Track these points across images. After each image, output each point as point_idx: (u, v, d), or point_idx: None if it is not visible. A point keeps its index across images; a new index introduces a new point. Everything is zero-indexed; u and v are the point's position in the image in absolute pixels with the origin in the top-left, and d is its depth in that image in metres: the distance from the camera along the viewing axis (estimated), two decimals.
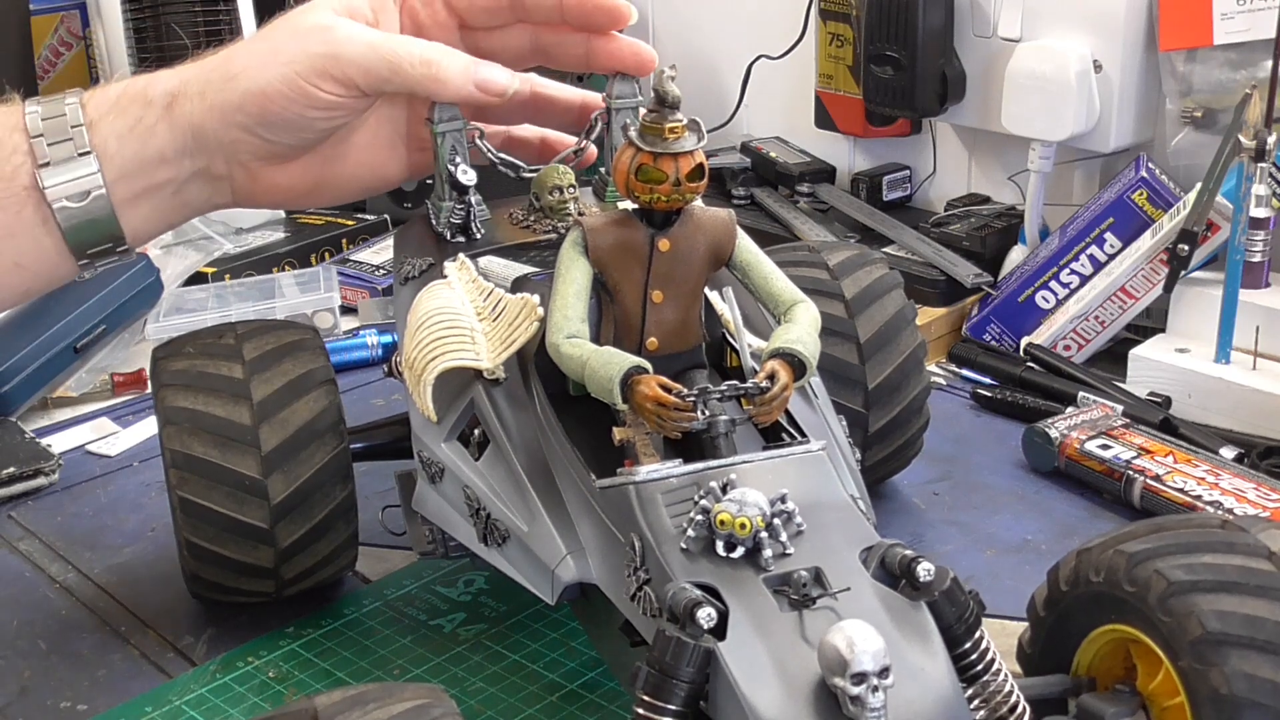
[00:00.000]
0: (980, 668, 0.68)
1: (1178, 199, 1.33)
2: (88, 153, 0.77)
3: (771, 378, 0.73)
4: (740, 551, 0.67)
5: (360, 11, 0.83)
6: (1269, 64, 1.19)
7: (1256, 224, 1.23)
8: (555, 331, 0.75)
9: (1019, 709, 0.68)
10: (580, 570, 0.75)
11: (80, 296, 1.35)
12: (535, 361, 0.82)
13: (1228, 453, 1.14)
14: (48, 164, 0.77)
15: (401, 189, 1.83)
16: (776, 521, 0.67)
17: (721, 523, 0.66)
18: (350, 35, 0.81)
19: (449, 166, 0.95)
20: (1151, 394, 1.27)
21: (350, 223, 1.73)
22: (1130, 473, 1.10)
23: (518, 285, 0.91)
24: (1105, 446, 1.13)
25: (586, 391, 0.75)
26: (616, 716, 0.88)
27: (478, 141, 0.96)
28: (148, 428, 1.29)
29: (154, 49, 1.67)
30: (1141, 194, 1.35)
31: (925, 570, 0.66)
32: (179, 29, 1.66)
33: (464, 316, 0.87)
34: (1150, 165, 1.36)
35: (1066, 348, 1.37)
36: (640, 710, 0.64)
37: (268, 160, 0.85)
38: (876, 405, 1.03)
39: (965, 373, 1.37)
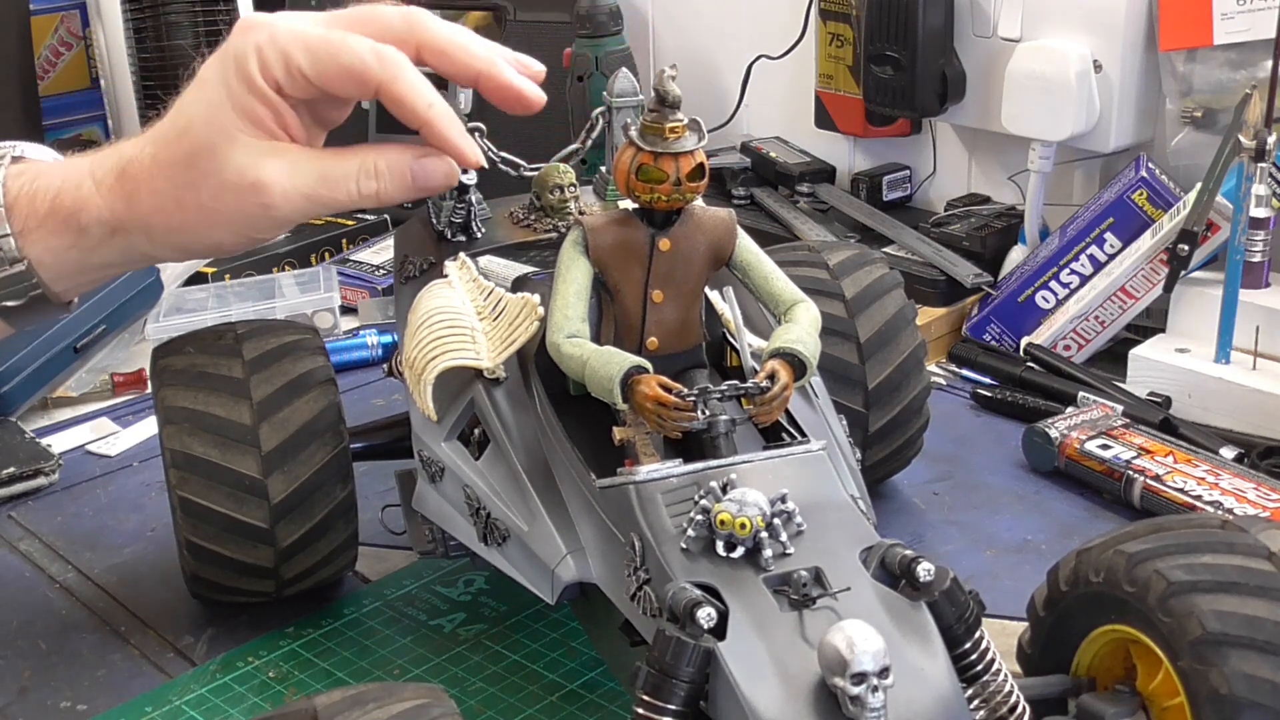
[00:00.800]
0: (980, 668, 0.68)
1: (1178, 199, 1.33)
2: (20, 260, 0.74)
3: (772, 377, 0.73)
4: (740, 551, 0.67)
5: (262, 121, 0.71)
6: (1269, 64, 1.19)
7: (1256, 224, 1.23)
8: (555, 331, 0.75)
9: (1019, 709, 0.68)
10: (580, 570, 0.75)
11: (81, 296, 1.35)
12: (535, 361, 0.82)
13: (1228, 453, 1.14)
14: None
15: None
16: (776, 521, 0.67)
17: (721, 523, 0.66)
18: (285, 193, 0.71)
19: None
20: (1151, 394, 1.27)
21: (350, 223, 1.73)
22: (1130, 473, 1.10)
23: (518, 284, 0.91)
24: (1105, 446, 1.13)
25: (586, 391, 0.75)
26: (616, 716, 0.88)
27: (478, 140, 0.96)
28: (148, 428, 1.29)
29: (154, 49, 1.67)
30: (1141, 194, 1.35)
31: (925, 570, 0.66)
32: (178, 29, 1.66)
33: (464, 316, 0.87)
34: (1150, 165, 1.36)
35: (1066, 348, 1.37)
36: (640, 710, 0.64)
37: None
38: (876, 405, 1.03)
39: (965, 373, 1.37)
